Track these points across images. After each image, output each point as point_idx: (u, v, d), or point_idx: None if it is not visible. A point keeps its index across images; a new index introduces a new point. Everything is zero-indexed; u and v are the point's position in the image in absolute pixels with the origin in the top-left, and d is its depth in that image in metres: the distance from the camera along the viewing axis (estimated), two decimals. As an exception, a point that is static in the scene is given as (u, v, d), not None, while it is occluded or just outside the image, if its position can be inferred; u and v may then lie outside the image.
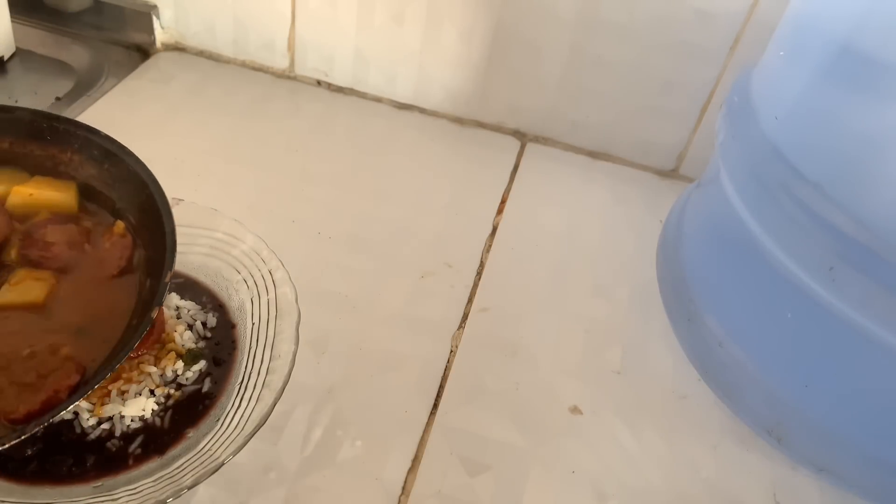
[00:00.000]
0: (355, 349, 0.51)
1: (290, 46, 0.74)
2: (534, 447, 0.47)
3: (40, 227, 0.42)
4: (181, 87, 0.72)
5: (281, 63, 0.75)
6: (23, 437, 0.32)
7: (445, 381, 0.50)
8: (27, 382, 0.35)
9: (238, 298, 0.49)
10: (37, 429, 0.32)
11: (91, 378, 0.35)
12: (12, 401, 0.34)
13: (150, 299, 0.37)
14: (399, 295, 0.55)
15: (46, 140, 0.44)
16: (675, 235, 0.55)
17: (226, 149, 0.66)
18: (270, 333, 0.46)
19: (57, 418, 0.33)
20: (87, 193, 0.44)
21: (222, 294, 0.50)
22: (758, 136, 0.45)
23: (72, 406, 0.33)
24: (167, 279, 0.37)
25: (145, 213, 0.42)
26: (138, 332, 0.36)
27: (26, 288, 0.40)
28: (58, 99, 0.69)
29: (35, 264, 0.41)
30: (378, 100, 0.75)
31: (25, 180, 0.44)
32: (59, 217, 0.43)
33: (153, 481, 0.39)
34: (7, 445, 0.31)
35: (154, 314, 0.36)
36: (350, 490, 0.43)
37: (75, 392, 0.35)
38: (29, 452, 0.40)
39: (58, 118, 0.43)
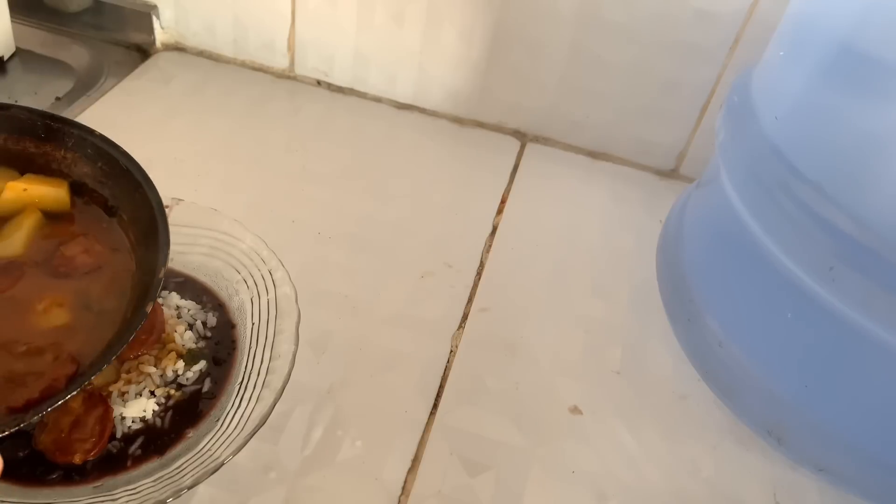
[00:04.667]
0: (355, 349, 0.51)
1: (290, 46, 0.74)
2: (534, 447, 0.47)
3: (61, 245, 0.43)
4: (181, 87, 0.72)
5: (281, 63, 0.75)
6: (21, 426, 0.33)
7: (445, 381, 0.50)
8: (25, 373, 0.36)
9: (238, 298, 0.49)
10: (35, 417, 0.33)
11: (87, 369, 0.36)
12: (10, 392, 0.35)
13: (144, 295, 0.38)
14: (399, 295, 0.55)
15: (41, 138, 0.44)
16: (674, 235, 0.55)
17: (226, 149, 0.66)
18: (270, 333, 0.46)
19: (53, 408, 0.34)
20: (79, 190, 0.45)
21: (222, 294, 0.50)
22: (758, 135, 0.45)
23: (69, 396, 0.34)
24: (160, 275, 0.38)
25: (138, 209, 0.43)
26: (133, 326, 0.37)
27: None
28: (58, 99, 0.69)
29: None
30: (378, 100, 0.75)
31: (16, 177, 0.45)
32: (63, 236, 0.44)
33: (153, 481, 0.39)
34: (6, 433, 0.32)
35: (148, 308, 0.37)
36: (350, 490, 0.43)
37: (72, 382, 0.36)
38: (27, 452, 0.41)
39: (53, 117, 0.44)
